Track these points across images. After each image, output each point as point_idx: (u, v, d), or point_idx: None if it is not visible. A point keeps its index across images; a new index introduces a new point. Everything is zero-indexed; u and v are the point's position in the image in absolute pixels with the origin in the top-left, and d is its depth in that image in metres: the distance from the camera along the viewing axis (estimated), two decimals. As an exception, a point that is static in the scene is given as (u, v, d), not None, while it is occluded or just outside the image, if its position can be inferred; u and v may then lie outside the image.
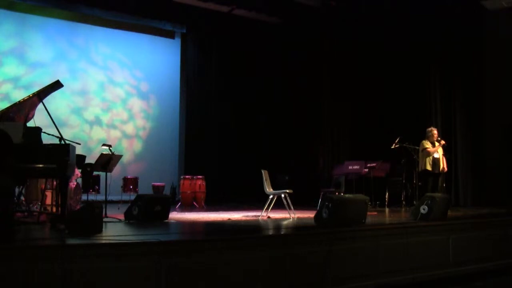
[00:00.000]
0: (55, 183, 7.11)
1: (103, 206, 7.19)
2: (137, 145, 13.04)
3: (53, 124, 6.40)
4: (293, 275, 5.14)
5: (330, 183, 11.05)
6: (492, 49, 11.40)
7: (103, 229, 5.46)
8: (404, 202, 10.73)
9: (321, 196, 9.15)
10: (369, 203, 7.40)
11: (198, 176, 11.05)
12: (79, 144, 7.25)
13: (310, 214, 7.51)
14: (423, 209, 6.83)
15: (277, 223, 7.20)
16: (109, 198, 8.33)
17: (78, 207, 7.65)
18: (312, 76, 13.14)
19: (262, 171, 8.34)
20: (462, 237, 6.75)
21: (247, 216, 8.42)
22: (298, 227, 6.58)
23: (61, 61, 12.02)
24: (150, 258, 4.40)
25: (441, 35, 11.46)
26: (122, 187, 10.57)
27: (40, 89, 6.53)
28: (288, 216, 8.00)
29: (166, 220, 7.22)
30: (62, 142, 6.34)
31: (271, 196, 8.21)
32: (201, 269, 4.62)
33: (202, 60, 13.31)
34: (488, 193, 11.07)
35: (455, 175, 11.24)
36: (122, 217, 7.09)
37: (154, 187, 11.11)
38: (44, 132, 6.44)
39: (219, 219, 7.89)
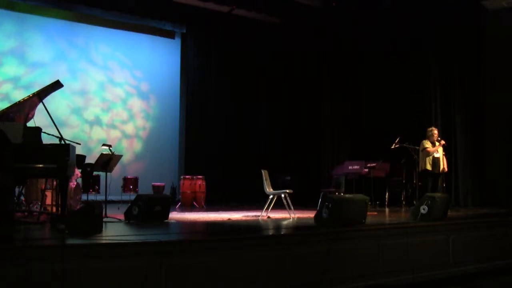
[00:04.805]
0: (55, 183, 7.11)
1: (103, 206, 7.18)
2: (137, 145, 13.03)
3: (53, 124, 6.39)
4: (293, 275, 5.14)
5: (330, 183, 11.06)
6: (492, 49, 11.40)
7: (103, 229, 5.46)
8: (404, 202, 10.74)
9: (321, 196, 9.15)
10: (369, 203, 7.39)
11: (198, 176, 11.06)
12: (79, 144, 7.24)
13: (310, 214, 7.50)
14: (423, 209, 6.82)
15: (277, 223, 7.19)
16: (109, 198, 8.32)
17: (78, 207, 7.65)
18: (312, 76, 13.14)
19: (262, 171, 8.34)
20: (462, 237, 6.75)
21: (247, 216, 8.42)
22: (298, 227, 6.58)
23: (61, 61, 12.01)
24: (150, 258, 4.39)
25: (441, 35, 11.46)
26: (122, 187, 10.57)
27: (40, 89, 6.52)
28: (288, 216, 8.00)
29: (166, 220, 7.21)
30: (62, 142, 6.33)
31: (271, 196, 8.21)
32: (201, 269, 4.62)
33: (202, 60, 13.30)
34: (488, 193, 11.07)
35: (455, 175, 11.24)
36: (122, 217, 7.08)
37: (154, 187, 11.10)
38: (44, 132, 6.43)
39: (219, 219, 7.89)
